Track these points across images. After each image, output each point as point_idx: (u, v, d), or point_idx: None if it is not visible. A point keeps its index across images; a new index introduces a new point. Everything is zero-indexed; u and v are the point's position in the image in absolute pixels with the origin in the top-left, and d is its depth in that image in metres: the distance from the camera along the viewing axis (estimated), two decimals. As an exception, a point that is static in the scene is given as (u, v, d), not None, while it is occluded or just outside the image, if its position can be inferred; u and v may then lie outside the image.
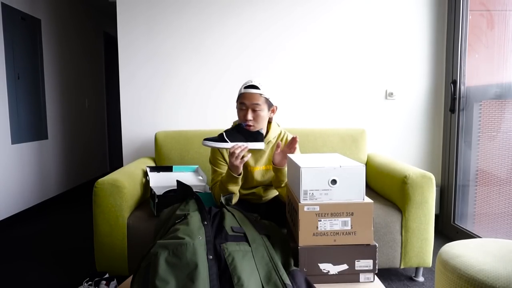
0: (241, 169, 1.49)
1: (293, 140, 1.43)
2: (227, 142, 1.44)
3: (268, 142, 1.62)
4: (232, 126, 1.65)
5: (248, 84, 1.54)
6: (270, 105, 1.56)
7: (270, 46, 2.48)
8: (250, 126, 1.53)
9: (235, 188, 1.54)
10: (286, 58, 2.49)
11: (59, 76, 3.62)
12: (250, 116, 1.51)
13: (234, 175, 1.48)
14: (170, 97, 2.49)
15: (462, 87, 2.35)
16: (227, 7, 2.45)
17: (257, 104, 1.50)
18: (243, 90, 1.53)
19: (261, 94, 1.51)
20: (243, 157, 1.45)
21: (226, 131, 1.49)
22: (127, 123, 2.49)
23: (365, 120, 2.53)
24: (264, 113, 1.54)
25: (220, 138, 1.47)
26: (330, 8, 2.46)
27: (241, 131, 1.49)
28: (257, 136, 1.48)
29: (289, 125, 2.41)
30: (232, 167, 1.48)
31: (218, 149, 1.59)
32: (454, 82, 2.38)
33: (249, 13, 2.46)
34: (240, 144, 1.45)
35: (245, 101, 1.52)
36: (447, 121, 2.49)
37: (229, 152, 1.45)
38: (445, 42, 2.49)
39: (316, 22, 2.47)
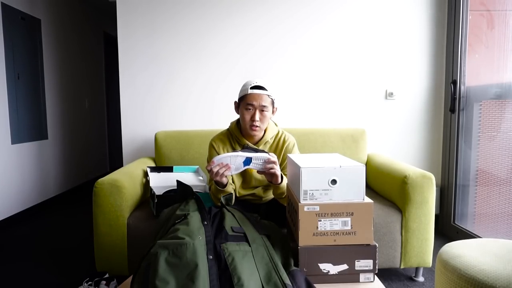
0: (225, 181, 1.44)
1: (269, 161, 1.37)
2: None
3: (266, 142, 1.61)
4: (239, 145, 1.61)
5: (254, 84, 1.51)
6: (273, 106, 1.57)
7: (273, 47, 2.48)
8: (256, 127, 1.52)
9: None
10: (288, 59, 2.49)
11: (59, 76, 3.62)
12: (257, 117, 1.50)
13: (220, 188, 1.45)
14: (170, 97, 2.49)
15: (462, 87, 2.35)
16: (231, 9, 2.45)
17: (265, 105, 1.50)
18: (249, 91, 1.51)
19: (268, 95, 1.51)
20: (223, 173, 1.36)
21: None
22: (127, 123, 2.49)
23: (365, 120, 2.53)
24: (270, 114, 1.55)
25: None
26: (331, 10, 2.46)
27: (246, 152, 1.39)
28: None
29: (289, 125, 2.41)
30: (216, 182, 1.43)
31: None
32: (454, 82, 2.38)
33: (252, 15, 2.45)
34: (225, 163, 1.34)
35: (253, 102, 1.50)
36: (447, 121, 2.49)
37: (210, 170, 1.35)
38: (445, 42, 2.49)
39: (318, 24, 2.47)
